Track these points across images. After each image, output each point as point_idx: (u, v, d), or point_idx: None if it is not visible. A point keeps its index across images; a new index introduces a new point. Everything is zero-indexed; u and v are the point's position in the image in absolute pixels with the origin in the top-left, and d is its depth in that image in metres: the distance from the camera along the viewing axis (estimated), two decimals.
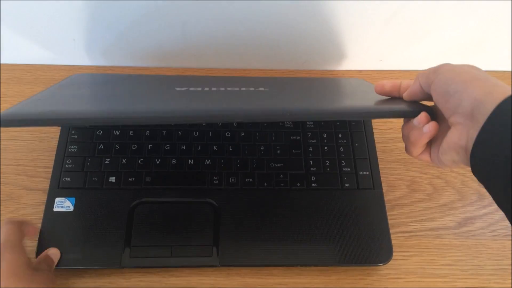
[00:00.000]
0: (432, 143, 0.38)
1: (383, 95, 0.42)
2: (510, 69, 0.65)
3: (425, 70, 0.37)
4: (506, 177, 0.29)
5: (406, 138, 0.39)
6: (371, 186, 0.51)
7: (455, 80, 0.33)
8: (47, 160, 0.51)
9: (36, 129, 0.55)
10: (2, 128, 0.54)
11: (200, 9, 0.53)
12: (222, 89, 0.46)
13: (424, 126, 0.37)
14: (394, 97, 0.42)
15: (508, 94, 0.30)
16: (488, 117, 0.30)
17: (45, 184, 0.49)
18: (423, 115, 0.37)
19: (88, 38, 0.57)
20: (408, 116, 0.38)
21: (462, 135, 0.33)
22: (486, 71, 0.63)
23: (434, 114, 0.37)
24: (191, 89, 0.45)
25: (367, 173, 0.51)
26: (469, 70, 0.34)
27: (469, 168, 0.53)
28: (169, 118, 0.36)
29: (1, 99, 0.57)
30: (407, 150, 0.40)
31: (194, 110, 0.37)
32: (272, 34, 0.58)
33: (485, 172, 0.31)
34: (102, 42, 0.58)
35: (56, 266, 0.44)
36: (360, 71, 0.64)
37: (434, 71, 0.36)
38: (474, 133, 0.31)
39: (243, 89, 0.46)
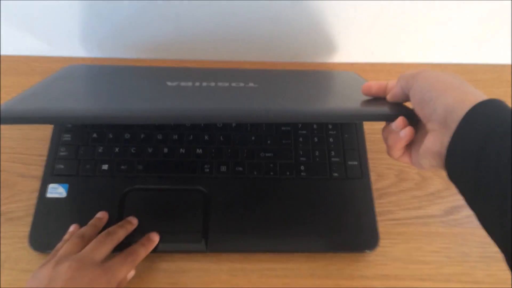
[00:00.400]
0: (412, 146, 0.39)
1: (370, 96, 0.43)
2: (510, 63, 0.66)
3: (405, 73, 0.38)
4: (475, 181, 0.30)
5: (385, 141, 0.40)
6: (359, 175, 0.52)
7: (430, 88, 0.34)
8: (42, 148, 0.52)
9: None
10: None
11: (193, 2, 0.54)
12: (213, 84, 0.47)
13: (400, 131, 0.37)
14: (379, 98, 0.42)
15: (478, 101, 0.31)
16: (458, 124, 0.31)
17: (40, 171, 0.50)
18: (400, 120, 0.37)
19: (83, 30, 0.58)
20: (387, 119, 0.39)
21: (436, 141, 0.34)
22: (484, 64, 0.65)
23: (415, 117, 0.37)
24: (182, 84, 0.46)
25: (356, 163, 0.52)
26: (445, 79, 0.34)
27: None
28: (158, 119, 0.37)
29: None
30: (387, 152, 0.40)
31: (182, 110, 0.38)
32: (264, 27, 0.59)
33: (458, 177, 0.32)
34: (97, 34, 0.59)
35: (47, 251, 0.45)
36: (352, 63, 0.65)
37: (412, 77, 0.36)
38: (447, 140, 0.32)
39: (233, 84, 0.47)
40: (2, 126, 0.55)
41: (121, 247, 0.44)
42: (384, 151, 0.55)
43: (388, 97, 0.40)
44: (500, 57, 0.65)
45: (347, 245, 0.48)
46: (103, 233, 0.44)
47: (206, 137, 0.53)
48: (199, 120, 0.39)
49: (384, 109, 0.39)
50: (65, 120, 0.45)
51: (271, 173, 0.51)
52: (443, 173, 0.53)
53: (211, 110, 0.38)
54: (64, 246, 0.42)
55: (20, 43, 0.60)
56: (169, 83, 0.46)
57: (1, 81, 0.59)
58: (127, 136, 0.52)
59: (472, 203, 0.32)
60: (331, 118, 0.47)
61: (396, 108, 0.39)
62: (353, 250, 0.48)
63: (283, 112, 0.39)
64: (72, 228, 0.46)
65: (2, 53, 0.61)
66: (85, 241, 0.43)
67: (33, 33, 0.59)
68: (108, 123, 0.49)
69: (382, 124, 0.57)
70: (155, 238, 0.46)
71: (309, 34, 0.60)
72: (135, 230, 0.47)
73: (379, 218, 0.50)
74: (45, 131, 0.53)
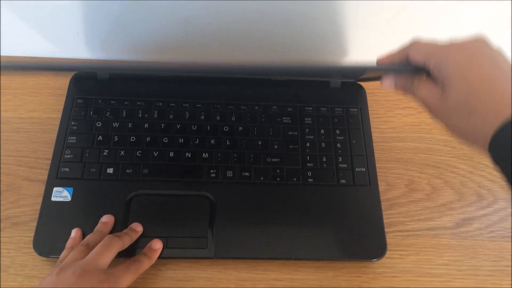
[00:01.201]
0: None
1: None
2: None
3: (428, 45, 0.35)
4: None
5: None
6: (367, 182, 0.51)
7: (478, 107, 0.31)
8: (48, 152, 0.52)
9: (38, 121, 0.55)
10: (3, 120, 0.55)
11: (203, 4, 0.54)
12: None
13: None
14: None
15: None
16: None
17: (46, 175, 0.50)
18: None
19: (91, 32, 0.58)
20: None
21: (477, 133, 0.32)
22: None
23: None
24: None
25: (364, 169, 0.51)
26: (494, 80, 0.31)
27: (469, 169, 0.52)
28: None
29: (4, 90, 0.58)
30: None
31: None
32: (274, 31, 0.58)
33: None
34: (104, 36, 0.59)
35: (51, 255, 0.45)
36: None
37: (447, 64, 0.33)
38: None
39: None
40: (8, 128, 0.54)
41: (127, 252, 0.44)
42: (394, 160, 0.55)
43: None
44: None
45: (354, 254, 0.47)
46: (107, 237, 0.43)
47: (212, 141, 0.52)
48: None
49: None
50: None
51: (278, 179, 0.50)
52: (455, 185, 0.54)
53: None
54: (70, 254, 0.41)
55: (28, 44, 0.60)
56: None
57: (8, 82, 0.59)
58: (132, 139, 0.52)
59: None
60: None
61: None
62: (360, 259, 0.47)
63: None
64: (74, 233, 0.45)
65: (10, 54, 0.61)
66: (90, 248, 0.42)
67: (40, 34, 0.58)
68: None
69: (392, 132, 0.57)
70: (157, 246, 0.45)
71: (320, 40, 0.59)
72: (141, 235, 0.46)
73: (388, 229, 0.49)
74: (52, 134, 0.53)
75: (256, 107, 0.55)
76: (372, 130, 0.56)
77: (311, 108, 0.55)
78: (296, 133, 0.53)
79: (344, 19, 0.56)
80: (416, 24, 0.57)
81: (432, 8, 0.55)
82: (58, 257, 0.43)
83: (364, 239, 0.47)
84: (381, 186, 0.52)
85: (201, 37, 0.59)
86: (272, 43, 0.60)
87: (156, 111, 0.54)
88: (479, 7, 0.55)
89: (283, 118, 0.54)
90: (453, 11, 0.55)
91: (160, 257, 0.45)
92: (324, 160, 0.52)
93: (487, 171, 0.55)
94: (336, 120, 0.55)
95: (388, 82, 0.39)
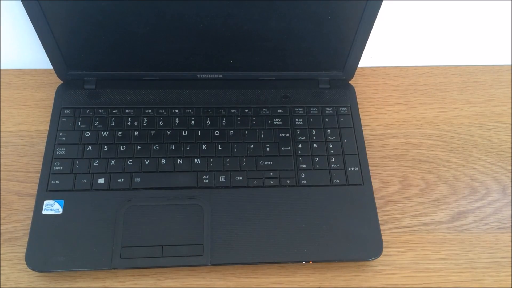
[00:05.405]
0: None
1: None
2: (509, 63, 0.65)
3: None
4: None
5: None
6: (361, 181, 0.51)
7: None
8: (38, 165, 0.51)
9: (26, 134, 0.55)
10: None
11: None
12: None
13: None
14: None
15: None
16: None
17: (36, 189, 0.49)
18: None
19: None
20: None
21: None
22: (483, 65, 0.64)
23: None
24: None
25: (357, 168, 0.51)
26: None
27: (461, 163, 0.53)
28: None
29: None
30: None
31: None
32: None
33: None
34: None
35: (45, 270, 0.44)
36: None
37: None
38: None
39: None
40: None
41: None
42: (386, 157, 0.55)
43: None
44: (499, 58, 0.65)
45: (351, 254, 0.47)
46: None
47: (204, 147, 0.52)
48: None
49: None
50: None
51: (271, 182, 0.50)
52: (448, 179, 0.54)
53: None
54: None
55: (12, 56, 0.59)
56: None
57: None
58: (122, 148, 0.51)
59: None
60: None
61: None
62: (357, 259, 0.47)
63: None
64: None
65: (10, 68, 0.60)
66: None
67: (25, 46, 0.58)
68: None
69: (383, 129, 0.57)
70: None
71: None
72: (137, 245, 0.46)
73: (385, 227, 0.49)
74: (41, 147, 0.52)
75: (247, 110, 0.55)
76: (363, 128, 0.56)
77: (301, 109, 0.55)
78: (288, 134, 0.53)
79: None
80: (404, 19, 0.58)
81: (420, 3, 0.55)
82: (53, 272, 0.43)
83: (360, 239, 0.47)
84: (375, 184, 0.52)
85: None
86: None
87: (145, 119, 0.53)
88: (476, 7, 0.55)
89: (274, 120, 0.54)
90: (444, 5, 0.56)
91: (156, 266, 0.45)
92: (316, 161, 0.52)
93: (479, 163, 0.55)
94: (327, 120, 0.55)
95: None
